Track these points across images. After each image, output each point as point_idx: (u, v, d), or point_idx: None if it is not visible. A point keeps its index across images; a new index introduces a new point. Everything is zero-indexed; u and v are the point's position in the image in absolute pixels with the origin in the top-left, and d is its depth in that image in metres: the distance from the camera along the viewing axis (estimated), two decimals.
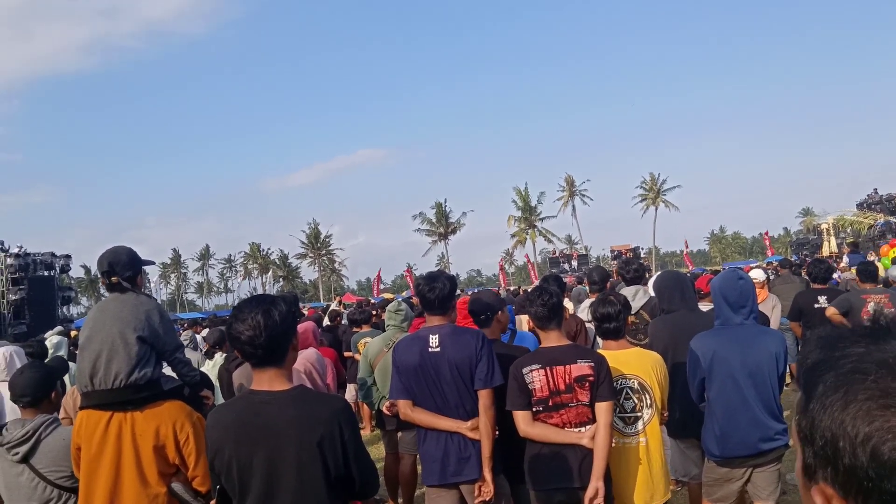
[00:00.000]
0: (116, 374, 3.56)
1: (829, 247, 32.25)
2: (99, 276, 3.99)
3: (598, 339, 5.71)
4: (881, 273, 8.26)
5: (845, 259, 18.45)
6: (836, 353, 0.78)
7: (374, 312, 10.14)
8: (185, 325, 17.83)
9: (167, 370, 3.95)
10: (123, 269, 3.81)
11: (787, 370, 9.72)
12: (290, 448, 2.42)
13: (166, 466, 3.58)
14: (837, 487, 0.76)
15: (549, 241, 76.47)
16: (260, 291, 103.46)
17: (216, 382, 6.42)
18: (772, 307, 7.89)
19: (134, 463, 3.52)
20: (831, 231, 34.09)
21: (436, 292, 3.94)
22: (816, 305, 7.42)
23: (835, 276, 13.18)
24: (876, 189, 32.88)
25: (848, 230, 33.01)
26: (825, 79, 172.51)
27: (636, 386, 3.91)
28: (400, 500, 6.34)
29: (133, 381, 3.57)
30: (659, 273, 6.10)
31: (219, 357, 7.38)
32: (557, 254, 53.13)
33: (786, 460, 5.60)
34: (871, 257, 16.24)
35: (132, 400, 3.60)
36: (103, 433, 3.55)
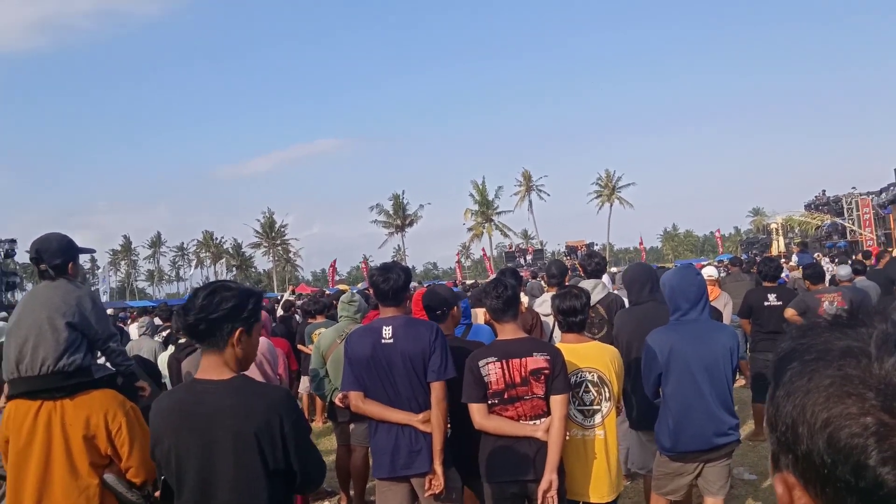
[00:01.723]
0: (43, 361, 3.45)
1: (778, 246, 32.96)
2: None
3: (555, 333, 5.74)
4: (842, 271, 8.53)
5: (794, 258, 18.89)
6: (805, 342, 0.78)
7: (328, 304, 10.04)
8: (135, 313, 17.45)
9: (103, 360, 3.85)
10: (52, 256, 3.69)
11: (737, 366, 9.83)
12: (227, 437, 2.37)
13: (98, 457, 3.45)
14: (798, 475, 0.76)
15: (506, 236, 76.77)
16: (212, 280, 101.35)
17: (165, 372, 6.28)
18: (724, 304, 8.02)
19: (64, 454, 3.40)
20: (780, 231, 34.84)
21: (390, 283, 3.90)
22: (766, 303, 7.56)
23: (783, 274, 13.48)
24: (824, 191, 33.75)
25: (796, 230, 33.80)
26: (778, 82, 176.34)
27: (595, 379, 3.91)
28: (351, 493, 6.29)
29: (61, 368, 3.46)
30: (629, 265, 6.15)
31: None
32: (513, 248, 53.32)
33: (736, 455, 5.68)
34: (818, 258, 16.64)
35: (61, 387, 3.48)
36: (32, 423, 3.43)
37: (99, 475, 3.44)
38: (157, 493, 2.80)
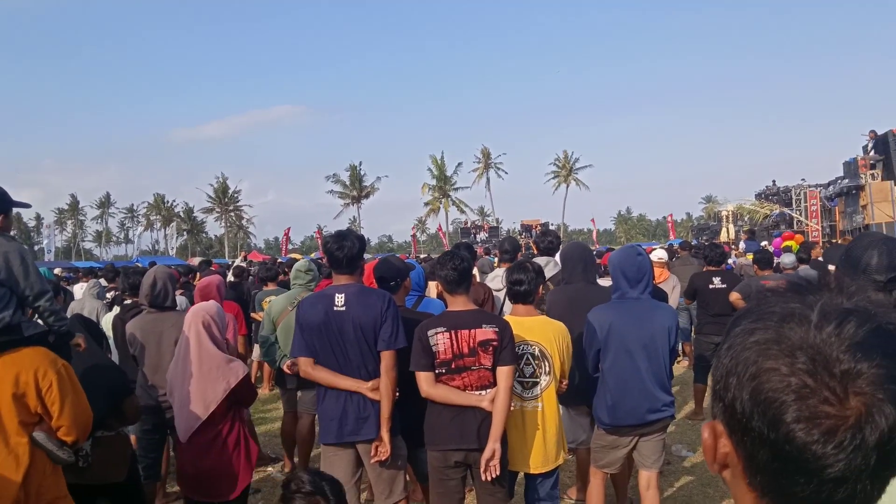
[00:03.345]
0: None
1: (728, 233, 33.60)
2: None
3: (505, 308, 5.81)
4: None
5: (742, 245, 19.32)
6: (759, 303, 0.83)
7: (280, 272, 9.98)
8: (80, 273, 17.08)
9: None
10: None
11: (680, 347, 10.12)
12: None
13: (28, 416, 3.37)
14: (725, 424, 0.80)
15: (462, 212, 77.06)
16: (162, 244, 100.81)
17: (110, 332, 6.19)
18: (672, 287, 8.20)
19: None
20: (730, 218, 35.50)
21: (344, 251, 3.90)
22: (711, 286, 7.77)
23: (730, 260, 13.80)
24: (774, 181, 34.32)
25: (746, 218, 34.48)
26: (737, 72, 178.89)
27: (537, 353, 3.99)
28: (296, 459, 6.31)
29: None
30: (567, 243, 6.23)
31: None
32: (469, 224, 53.39)
33: (671, 431, 5.83)
34: (764, 244, 17.05)
35: None
36: None
37: (28, 433, 3.38)
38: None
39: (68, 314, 4.96)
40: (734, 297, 7.30)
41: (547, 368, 4.00)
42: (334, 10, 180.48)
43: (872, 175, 22.87)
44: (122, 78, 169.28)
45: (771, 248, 13.73)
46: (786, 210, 28.95)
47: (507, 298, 5.92)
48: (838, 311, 0.76)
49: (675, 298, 8.17)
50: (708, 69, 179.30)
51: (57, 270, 18.84)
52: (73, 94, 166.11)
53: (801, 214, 27.48)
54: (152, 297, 4.98)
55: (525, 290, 4.05)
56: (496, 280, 6.22)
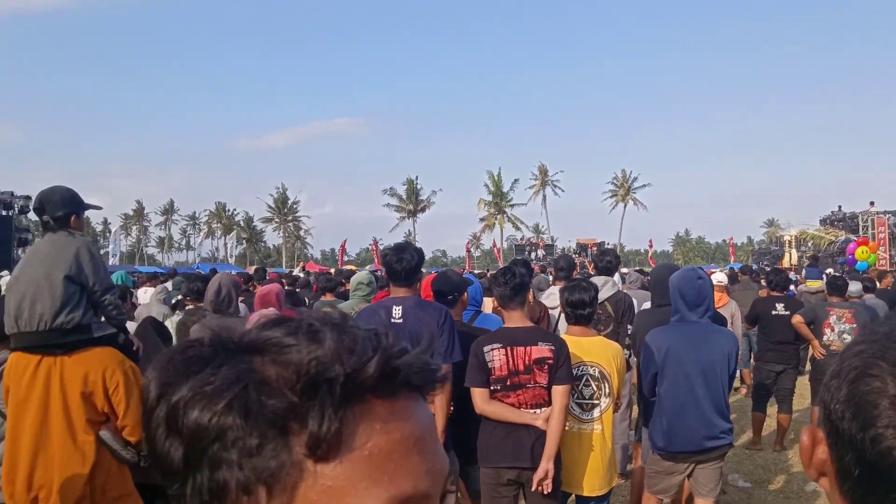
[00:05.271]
0: (41, 316, 3.45)
1: (790, 259, 32.79)
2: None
3: (560, 326, 5.78)
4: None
5: (804, 272, 18.81)
6: (880, 322, 0.82)
7: (339, 283, 10.13)
8: (143, 278, 17.57)
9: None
10: (54, 208, 3.68)
11: (739, 375, 9.82)
12: None
13: (95, 414, 3.47)
14: (825, 430, 0.79)
15: (517, 229, 76.91)
16: (222, 252, 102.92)
17: (174, 335, 6.35)
18: (731, 314, 8.01)
19: (61, 409, 3.42)
20: (793, 244, 34.67)
21: (403, 263, 3.94)
22: (774, 312, 7.58)
23: (792, 287, 13.46)
24: (840, 206, 33.48)
25: (809, 244, 33.62)
26: (799, 94, 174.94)
27: (597, 374, 3.95)
28: None
29: (59, 325, 3.46)
30: (658, 265, 6.21)
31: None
32: (524, 241, 53.24)
33: (728, 460, 5.69)
34: (830, 272, 16.56)
35: (60, 344, 3.49)
36: (32, 377, 3.45)
37: (95, 431, 3.48)
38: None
39: (138, 318, 5.10)
40: (797, 319, 7.12)
41: (607, 390, 3.96)
42: (398, 26, 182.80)
43: None
44: (188, 88, 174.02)
45: (841, 271, 13.30)
46: (852, 237, 28.15)
47: (560, 317, 5.91)
48: None
49: (737, 327, 7.96)
50: (771, 91, 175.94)
51: None
52: (141, 102, 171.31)
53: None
54: (216, 303, 5.10)
55: (588, 312, 4.03)
56: (551, 298, 6.19)
